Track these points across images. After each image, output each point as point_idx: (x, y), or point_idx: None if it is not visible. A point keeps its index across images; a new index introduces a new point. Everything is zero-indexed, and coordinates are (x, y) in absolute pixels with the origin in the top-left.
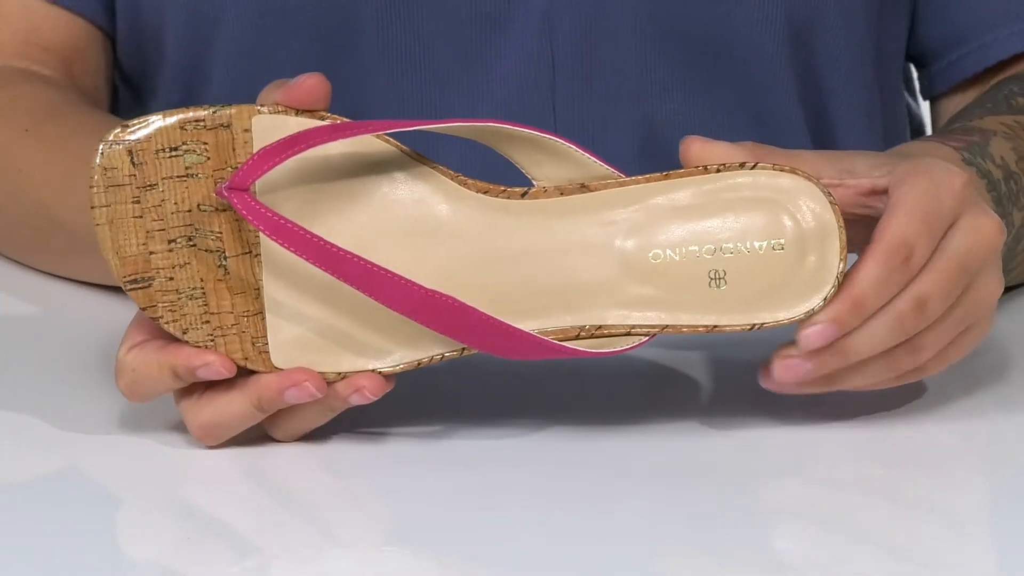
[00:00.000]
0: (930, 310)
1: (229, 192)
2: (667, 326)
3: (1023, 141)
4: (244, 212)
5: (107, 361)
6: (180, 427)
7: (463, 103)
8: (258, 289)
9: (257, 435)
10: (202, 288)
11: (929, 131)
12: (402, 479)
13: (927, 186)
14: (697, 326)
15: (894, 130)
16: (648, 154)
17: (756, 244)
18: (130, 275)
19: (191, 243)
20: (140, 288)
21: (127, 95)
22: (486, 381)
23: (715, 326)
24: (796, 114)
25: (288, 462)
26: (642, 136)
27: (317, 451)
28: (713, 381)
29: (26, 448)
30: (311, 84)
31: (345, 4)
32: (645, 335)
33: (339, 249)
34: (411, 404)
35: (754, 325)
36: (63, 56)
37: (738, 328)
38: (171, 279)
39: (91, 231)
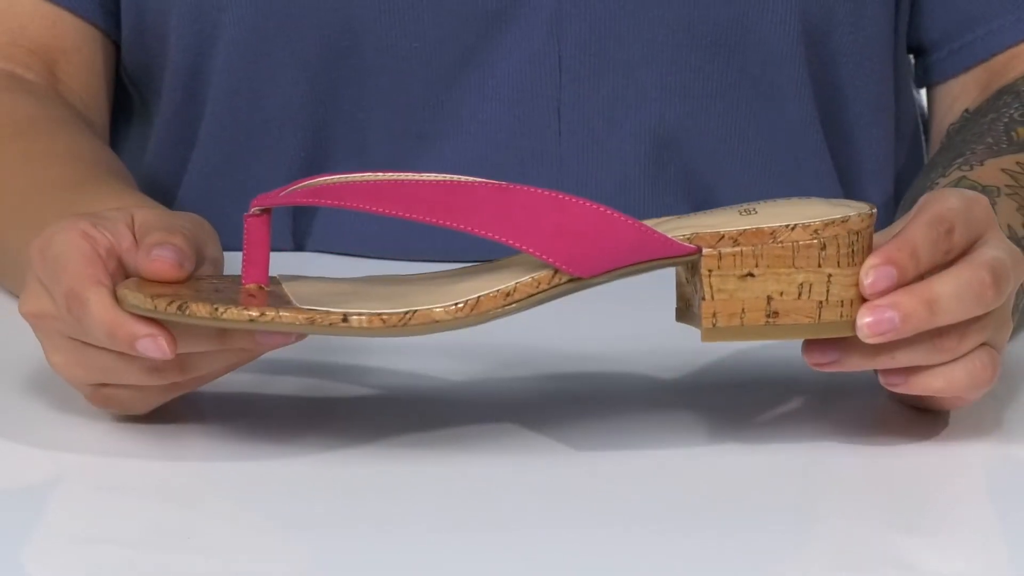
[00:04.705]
0: (1002, 285)
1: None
2: (696, 234)
3: None
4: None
5: None
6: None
7: (467, 100)
8: None
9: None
10: None
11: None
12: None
13: (960, 196)
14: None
15: (906, 122)
16: (655, 157)
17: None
18: None
19: None
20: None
21: (135, 96)
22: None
23: (744, 230)
24: (811, 113)
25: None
26: (650, 139)
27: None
28: (716, 391)
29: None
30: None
31: (347, 4)
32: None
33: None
34: (413, 410)
35: (788, 226)
36: (47, 57)
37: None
38: None
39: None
